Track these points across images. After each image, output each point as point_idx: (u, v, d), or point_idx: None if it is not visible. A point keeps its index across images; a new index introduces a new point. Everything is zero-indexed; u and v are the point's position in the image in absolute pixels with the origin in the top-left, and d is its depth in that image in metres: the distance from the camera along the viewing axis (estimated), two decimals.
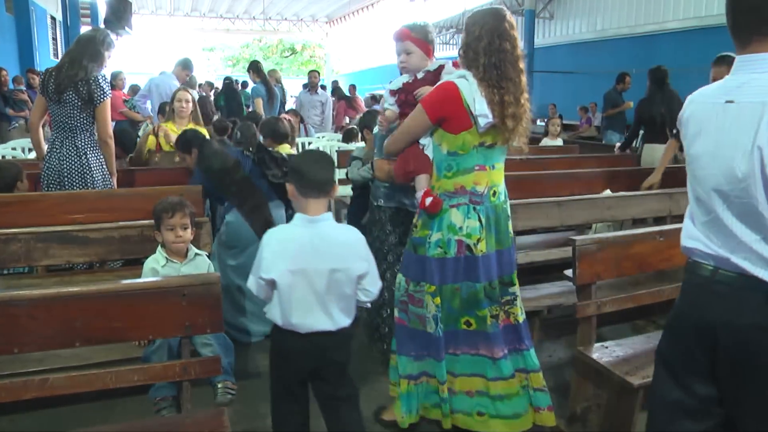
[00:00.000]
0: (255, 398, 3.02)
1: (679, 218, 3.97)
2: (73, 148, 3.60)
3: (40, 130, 3.86)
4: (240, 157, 3.70)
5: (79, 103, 3.54)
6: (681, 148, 4.39)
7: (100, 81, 3.58)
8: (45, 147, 3.76)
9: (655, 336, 2.72)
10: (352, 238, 2.13)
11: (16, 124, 8.62)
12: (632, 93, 8.90)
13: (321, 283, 2.03)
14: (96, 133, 3.67)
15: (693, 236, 1.61)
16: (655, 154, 5.75)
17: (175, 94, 4.85)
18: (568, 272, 2.65)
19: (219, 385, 2.78)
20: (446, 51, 19.25)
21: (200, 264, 2.80)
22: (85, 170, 3.62)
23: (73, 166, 3.60)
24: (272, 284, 2.03)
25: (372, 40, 24.15)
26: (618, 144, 6.99)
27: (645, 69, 11.71)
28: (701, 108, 1.58)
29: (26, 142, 6.71)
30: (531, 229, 3.73)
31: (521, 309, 2.55)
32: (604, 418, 2.54)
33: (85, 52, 3.57)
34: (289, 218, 2.83)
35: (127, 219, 3.13)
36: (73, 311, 1.88)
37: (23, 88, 9.38)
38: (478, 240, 2.39)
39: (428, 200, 2.39)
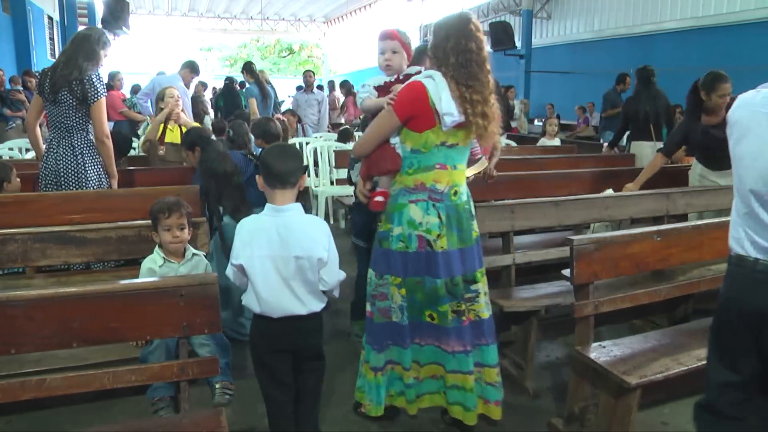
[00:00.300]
0: (253, 398, 3.01)
1: (676, 218, 3.99)
2: (69, 148, 3.59)
3: (38, 129, 3.85)
4: (242, 162, 3.72)
5: (74, 103, 3.53)
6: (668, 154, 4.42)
7: (94, 80, 3.56)
8: (44, 147, 3.75)
9: (653, 336, 2.74)
10: (316, 228, 2.25)
11: (14, 125, 8.61)
12: (627, 93, 8.91)
13: (287, 269, 2.18)
14: (92, 133, 3.67)
15: (737, 225, 1.83)
16: (642, 150, 6.05)
17: (162, 94, 4.82)
18: (566, 272, 2.65)
19: (217, 386, 2.77)
20: None
21: (198, 264, 2.80)
22: (80, 170, 3.61)
23: (69, 166, 3.59)
24: (242, 270, 2.20)
25: (369, 40, 24.14)
26: (606, 143, 7.05)
27: None
28: (747, 114, 1.77)
29: (23, 142, 6.70)
30: (529, 228, 3.73)
31: (486, 305, 2.61)
32: (602, 418, 2.54)
33: (80, 51, 3.56)
34: None
35: (124, 219, 3.13)
36: (70, 312, 1.88)
37: (20, 88, 9.36)
38: (438, 236, 2.47)
39: (377, 198, 2.55)
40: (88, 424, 2.70)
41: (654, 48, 11.66)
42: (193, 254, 2.80)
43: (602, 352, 2.52)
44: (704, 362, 2.43)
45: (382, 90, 2.67)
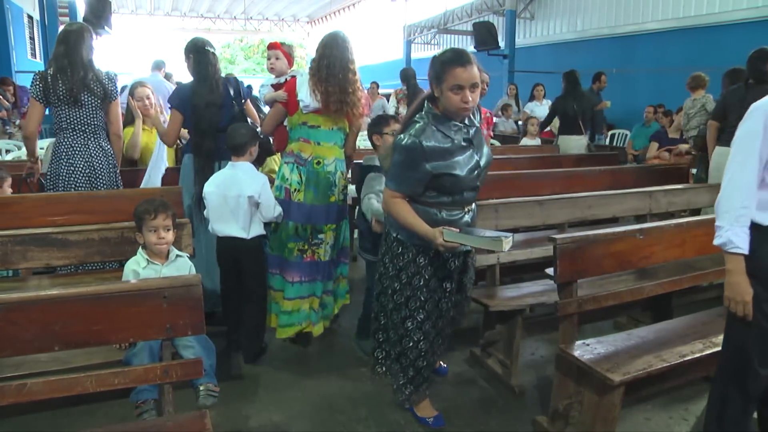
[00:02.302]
0: (237, 400, 3.00)
1: (659, 216, 4.04)
2: (99, 148, 3.65)
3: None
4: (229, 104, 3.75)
5: (97, 102, 3.60)
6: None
7: (113, 77, 3.68)
8: (38, 149, 3.79)
9: (636, 333, 2.76)
10: (252, 177, 3.23)
11: None
12: (609, 92, 8.98)
13: (232, 203, 3.20)
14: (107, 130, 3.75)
15: None
16: (568, 143, 7.06)
17: (134, 94, 4.51)
18: (550, 271, 2.67)
19: (201, 388, 2.74)
20: (429, 51, 19.27)
21: (181, 266, 2.78)
22: (111, 169, 3.71)
23: (103, 167, 3.65)
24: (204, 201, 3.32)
25: (353, 40, 24.08)
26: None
27: (625, 69, 11.91)
28: None
29: (3, 143, 6.62)
30: (513, 228, 3.74)
31: (326, 252, 3.48)
32: (586, 415, 2.56)
33: (82, 51, 3.56)
34: None
35: (107, 221, 3.09)
36: (52, 315, 1.85)
37: None
38: (296, 190, 3.39)
39: None
40: (71, 428, 2.67)
41: (636, 48, 11.76)
42: (177, 256, 2.78)
43: (586, 350, 2.54)
44: (686, 359, 2.47)
45: (279, 86, 3.57)
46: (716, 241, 2.06)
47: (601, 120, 8.98)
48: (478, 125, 2.56)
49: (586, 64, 12.08)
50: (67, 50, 3.54)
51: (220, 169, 3.47)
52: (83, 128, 3.60)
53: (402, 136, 2.41)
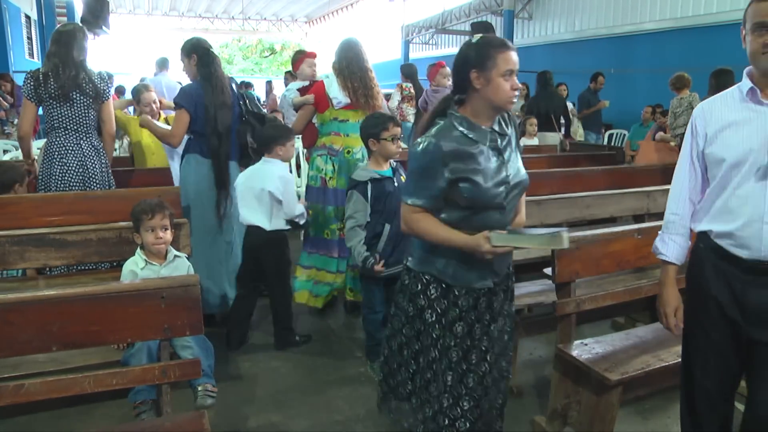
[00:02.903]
0: (236, 401, 3.00)
1: (657, 216, 4.05)
2: (92, 148, 3.65)
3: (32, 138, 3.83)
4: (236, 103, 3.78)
5: (89, 101, 3.60)
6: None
7: (105, 77, 3.69)
8: (35, 149, 3.78)
9: (634, 333, 2.77)
10: (275, 175, 3.43)
11: None
12: (607, 92, 8.98)
13: (258, 195, 3.44)
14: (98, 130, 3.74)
15: None
16: (545, 139, 7.50)
17: (140, 99, 4.49)
18: (548, 270, 2.67)
19: (199, 388, 2.74)
20: (426, 51, 19.28)
21: (180, 266, 2.78)
22: (103, 170, 3.71)
23: (96, 166, 3.65)
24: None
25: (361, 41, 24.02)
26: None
27: (623, 69, 11.90)
28: None
29: (1, 143, 6.61)
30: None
31: None
32: (584, 415, 2.56)
33: (73, 51, 3.57)
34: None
35: (104, 221, 3.09)
36: (49, 315, 1.85)
37: None
38: (330, 178, 3.85)
39: None
40: (69, 428, 2.67)
41: (633, 48, 11.77)
42: (175, 256, 2.78)
43: (584, 349, 2.55)
44: None
45: (304, 90, 4.28)
46: (653, 248, 2.12)
47: (598, 120, 8.99)
48: (510, 134, 2.09)
49: (584, 65, 12.12)
50: (59, 50, 3.56)
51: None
52: (75, 127, 3.59)
53: (418, 140, 2.02)
